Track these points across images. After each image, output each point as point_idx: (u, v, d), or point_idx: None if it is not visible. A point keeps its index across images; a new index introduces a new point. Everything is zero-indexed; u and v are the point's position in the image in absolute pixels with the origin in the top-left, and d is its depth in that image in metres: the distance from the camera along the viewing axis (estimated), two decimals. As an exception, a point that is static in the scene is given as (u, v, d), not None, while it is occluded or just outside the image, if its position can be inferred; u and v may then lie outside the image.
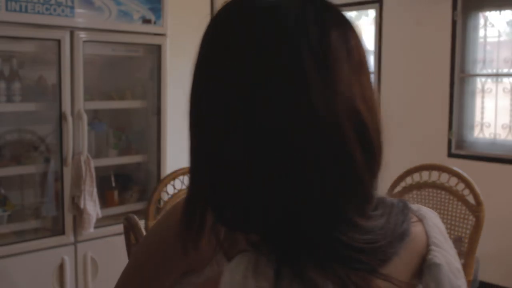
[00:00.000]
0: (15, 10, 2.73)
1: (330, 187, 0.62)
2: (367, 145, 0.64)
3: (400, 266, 0.66)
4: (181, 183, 2.58)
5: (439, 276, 0.69)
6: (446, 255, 0.71)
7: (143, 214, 2.43)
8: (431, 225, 0.73)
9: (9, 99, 2.89)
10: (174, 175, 2.54)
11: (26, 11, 2.77)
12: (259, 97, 0.61)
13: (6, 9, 2.70)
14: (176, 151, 3.61)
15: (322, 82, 0.61)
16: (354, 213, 0.64)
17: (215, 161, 0.64)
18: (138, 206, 3.34)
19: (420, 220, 0.72)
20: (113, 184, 3.37)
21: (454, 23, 4.00)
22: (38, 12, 2.80)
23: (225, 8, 0.68)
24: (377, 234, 0.65)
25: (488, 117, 4.01)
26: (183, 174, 2.58)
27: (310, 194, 0.61)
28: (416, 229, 0.71)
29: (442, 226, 0.74)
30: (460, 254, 2.39)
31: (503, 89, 3.97)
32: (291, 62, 0.61)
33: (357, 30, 0.68)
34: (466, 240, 2.37)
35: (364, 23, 5.12)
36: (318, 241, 0.62)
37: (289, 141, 0.61)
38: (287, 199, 0.61)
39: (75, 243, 3.05)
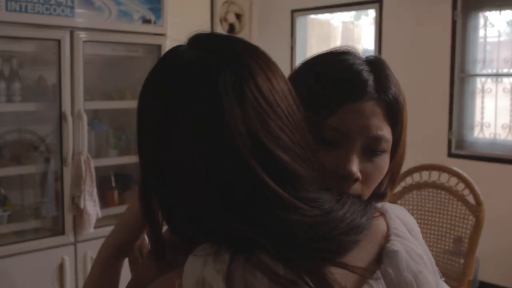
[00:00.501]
0: (15, 10, 2.73)
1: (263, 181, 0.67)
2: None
3: (360, 256, 0.70)
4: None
5: (397, 261, 0.72)
6: (406, 243, 0.74)
7: (143, 214, 2.43)
8: (393, 218, 0.76)
9: (9, 99, 2.89)
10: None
11: (26, 11, 2.77)
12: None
13: (6, 9, 2.70)
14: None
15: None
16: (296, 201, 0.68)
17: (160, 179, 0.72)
18: (138, 206, 3.34)
19: (382, 214, 0.76)
20: (113, 184, 3.37)
21: (454, 23, 4.00)
22: (38, 12, 2.80)
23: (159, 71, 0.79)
24: (332, 226, 0.69)
25: (488, 117, 4.01)
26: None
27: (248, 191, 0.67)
28: (377, 222, 0.75)
29: (407, 219, 0.77)
30: (460, 254, 2.39)
31: (503, 89, 3.97)
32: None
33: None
34: (466, 240, 2.38)
35: (364, 23, 5.13)
36: (268, 232, 0.66)
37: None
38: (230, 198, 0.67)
39: (75, 243, 3.05)
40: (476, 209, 2.36)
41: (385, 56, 4.36)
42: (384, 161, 0.87)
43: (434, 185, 2.52)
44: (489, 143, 4.00)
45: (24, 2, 2.76)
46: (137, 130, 0.75)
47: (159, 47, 3.28)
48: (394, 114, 0.87)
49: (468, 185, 2.40)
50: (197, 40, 0.75)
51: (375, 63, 0.90)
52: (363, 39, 5.18)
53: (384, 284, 0.70)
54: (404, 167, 2.86)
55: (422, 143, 4.14)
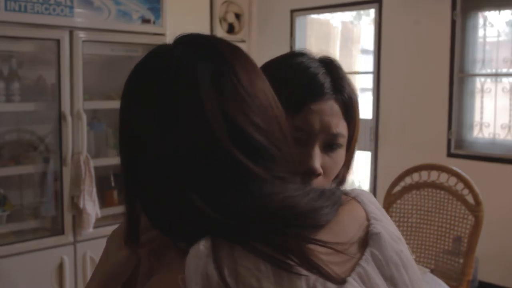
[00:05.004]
0: (14, 10, 2.73)
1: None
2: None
3: (339, 233, 0.72)
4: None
5: (381, 242, 0.74)
6: (385, 226, 0.77)
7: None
8: (367, 203, 0.78)
9: (8, 99, 2.89)
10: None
11: (25, 11, 2.77)
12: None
13: (5, 9, 2.70)
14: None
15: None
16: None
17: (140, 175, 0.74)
18: (138, 206, 3.34)
19: (354, 198, 0.78)
20: (113, 184, 3.37)
21: (453, 23, 4.00)
22: (38, 12, 2.80)
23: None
24: (305, 200, 0.71)
25: (487, 117, 4.01)
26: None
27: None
28: (355, 207, 0.77)
29: (377, 203, 0.80)
30: (459, 253, 2.39)
31: (502, 89, 3.97)
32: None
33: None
34: (465, 240, 2.38)
35: (363, 23, 5.13)
36: (245, 213, 0.68)
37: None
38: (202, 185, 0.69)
39: (74, 243, 3.05)
40: (476, 208, 2.36)
41: (384, 56, 4.37)
42: (341, 155, 0.96)
43: (434, 185, 2.52)
44: (488, 143, 4.00)
45: (23, 2, 2.75)
46: (119, 129, 0.77)
47: (158, 47, 3.28)
48: (350, 111, 0.96)
49: (467, 185, 2.40)
50: (181, 39, 0.78)
51: (330, 65, 0.97)
52: (362, 39, 5.18)
53: (374, 266, 0.73)
54: (404, 167, 2.86)
55: (422, 143, 4.14)
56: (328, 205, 0.73)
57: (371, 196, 0.81)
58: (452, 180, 2.46)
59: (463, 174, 2.43)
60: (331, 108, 0.93)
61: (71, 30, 2.94)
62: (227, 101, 0.70)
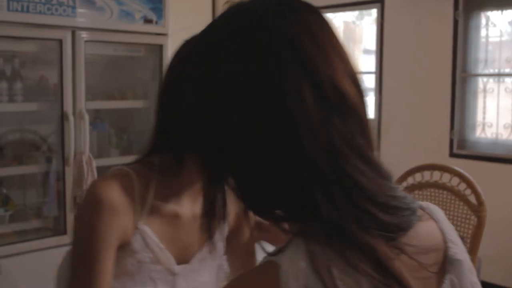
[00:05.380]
0: (16, 10, 2.74)
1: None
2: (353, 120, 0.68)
3: (418, 248, 0.67)
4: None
5: (461, 271, 0.71)
6: (464, 252, 0.73)
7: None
8: (443, 221, 0.74)
9: (11, 99, 2.89)
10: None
11: (27, 11, 2.77)
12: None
13: (8, 9, 2.71)
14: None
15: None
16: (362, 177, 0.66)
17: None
18: (140, 206, 3.34)
19: (430, 216, 0.73)
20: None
21: (455, 23, 4.00)
22: (40, 12, 2.81)
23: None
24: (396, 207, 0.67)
25: (490, 117, 4.01)
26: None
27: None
28: (429, 224, 0.72)
29: (448, 221, 0.76)
30: (462, 254, 2.39)
31: (505, 89, 3.97)
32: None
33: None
34: (468, 240, 2.37)
35: (365, 22, 5.13)
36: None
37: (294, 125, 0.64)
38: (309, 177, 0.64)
39: (76, 243, 3.05)
40: (478, 209, 2.35)
41: (386, 56, 4.36)
42: None
43: (436, 185, 2.52)
44: (491, 143, 3.99)
45: (25, 2, 2.76)
46: (215, 104, 0.69)
47: (160, 47, 3.28)
48: None
49: (470, 185, 2.39)
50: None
51: None
52: (364, 39, 5.17)
53: None
54: (406, 167, 2.86)
55: (424, 143, 4.13)
56: (409, 212, 0.68)
57: (442, 213, 0.77)
58: (455, 180, 2.46)
59: (466, 174, 2.42)
60: None
61: (74, 30, 2.94)
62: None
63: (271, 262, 0.64)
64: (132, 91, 3.40)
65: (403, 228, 0.66)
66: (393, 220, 0.65)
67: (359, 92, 0.70)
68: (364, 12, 4.99)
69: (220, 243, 1.21)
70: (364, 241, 0.62)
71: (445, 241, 0.72)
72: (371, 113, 4.44)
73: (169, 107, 1.09)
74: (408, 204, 0.69)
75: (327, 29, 0.70)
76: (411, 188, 2.56)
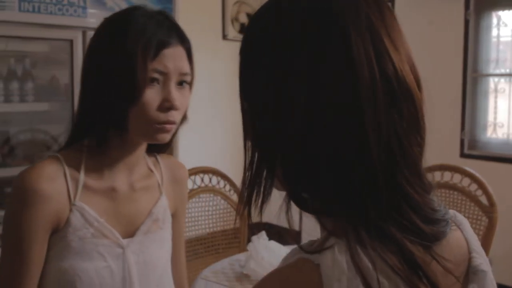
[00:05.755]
0: (28, 11, 2.75)
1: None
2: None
3: (450, 256, 0.67)
4: (193, 183, 2.59)
5: (484, 282, 0.70)
6: (487, 264, 0.73)
7: (155, 213, 2.43)
8: (469, 232, 0.74)
9: (22, 99, 2.91)
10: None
11: (38, 11, 2.79)
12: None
13: (19, 10, 2.73)
14: (188, 151, 3.62)
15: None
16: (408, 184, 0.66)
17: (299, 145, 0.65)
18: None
19: (457, 226, 0.73)
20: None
21: (466, 23, 3.97)
22: (51, 13, 2.82)
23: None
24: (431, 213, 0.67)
25: (501, 117, 3.98)
26: (195, 173, 2.59)
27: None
28: (457, 234, 0.72)
29: (474, 234, 0.76)
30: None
31: (517, 89, 3.94)
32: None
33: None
34: (479, 241, 2.36)
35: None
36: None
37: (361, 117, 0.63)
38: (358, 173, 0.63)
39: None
40: (489, 210, 2.34)
41: (397, 56, 4.34)
42: (187, 91, 1.15)
43: (447, 186, 2.51)
44: (502, 143, 3.96)
45: (37, 2, 2.77)
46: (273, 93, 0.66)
47: (170, 47, 3.29)
48: (190, 54, 1.16)
49: (481, 185, 2.38)
50: None
51: (170, 17, 1.17)
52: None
53: None
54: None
55: (434, 143, 4.07)
56: (444, 224, 0.69)
57: (468, 222, 0.77)
58: (466, 181, 2.45)
59: (477, 175, 2.41)
60: (180, 52, 1.13)
61: (84, 31, 2.95)
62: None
63: (307, 261, 0.62)
64: (142, 91, 3.41)
65: (438, 238, 0.66)
66: (432, 231, 0.65)
67: (418, 85, 0.70)
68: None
69: (162, 215, 1.24)
70: (405, 246, 0.62)
71: (469, 251, 0.72)
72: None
73: (91, 89, 1.14)
74: (444, 216, 0.69)
75: (393, 15, 0.70)
76: (421, 189, 2.55)
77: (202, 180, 2.62)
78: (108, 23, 1.15)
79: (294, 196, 0.67)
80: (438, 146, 4.08)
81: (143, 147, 1.20)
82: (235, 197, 2.70)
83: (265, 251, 2.17)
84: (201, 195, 2.63)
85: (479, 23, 3.99)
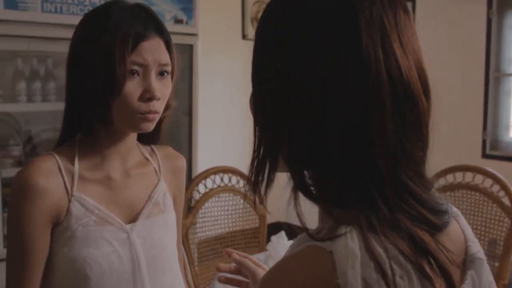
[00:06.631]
0: (50, 11, 2.79)
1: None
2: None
3: (450, 247, 0.69)
4: (212, 182, 2.59)
5: (482, 269, 0.72)
6: (482, 253, 0.75)
7: (174, 212, 2.45)
8: (465, 223, 0.77)
9: (44, 99, 2.95)
10: (206, 174, 2.56)
11: (61, 12, 2.82)
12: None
13: (42, 10, 2.76)
14: (207, 151, 3.63)
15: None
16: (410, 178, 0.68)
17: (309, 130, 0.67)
18: (169, 204, 3.37)
19: (454, 218, 0.76)
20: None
21: (489, 22, 3.93)
22: (73, 13, 2.85)
23: None
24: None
25: (524, 117, 3.93)
26: (215, 173, 2.59)
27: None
28: (455, 224, 0.75)
29: (468, 225, 0.79)
30: (495, 257, 2.35)
31: (540, 89, 3.89)
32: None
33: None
34: (501, 243, 2.33)
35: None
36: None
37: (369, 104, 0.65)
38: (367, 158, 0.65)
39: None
40: (512, 211, 2.31)
41: (418, 55, 4.30)
42: (168, 81, 1.19)
43: (468, 187, 2.48)
44: (525, 144, 3.92)
45: (59, 3, 2.81)
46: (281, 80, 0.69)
47: (191, 47, 3.30)
48: (170, 45, 1.20)
49: (503, 186, 2.35)
50: None
51: (148, 9, 1.20)
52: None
53: None
54: (437, 168, 2.82)
55: (456, 143, 4.07)
56: (447, 215, 0.72)
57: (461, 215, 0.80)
58: (488, 182, 2.42)
59: (499, 175, 2.38)
60: (158, 44, 1.16)
61: (105, 31, 2.98)
62: None
63: (319, 248, 0.63)
64: (162, 91, 3.43)
65: (443, 228, 0.69)
66: (438, 221, 0.68)
67: (425, 88, 0.71)
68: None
69: (162, 199, 1.29)
70: (415, 233, 0.64)
71: (466, 240, 0.75)
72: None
73: (74, 82, 1.18)
74: (446, 208, 0.72)
75: (408, 17, 0.71)
76: (442, 190, 2.53)
77: (222, 179, 2.63)
78: (88, 17, 1.20)
79: (300, 185, 0.69)
80: (460, 147, 4.06)
81: (132, 136, 1.24)
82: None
83: (284, 251, 2.17)
84: (220, 195, 2.63)
85: (502, 21, 3.95)
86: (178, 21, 3.25)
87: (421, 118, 0.70)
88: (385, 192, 0.65)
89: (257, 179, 0.73)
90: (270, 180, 0.72)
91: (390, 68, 0.65)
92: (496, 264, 2.33)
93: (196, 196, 2.51)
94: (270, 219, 2.78)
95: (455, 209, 0.77)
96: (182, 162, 1.40)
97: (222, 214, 2.68)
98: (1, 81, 2.83)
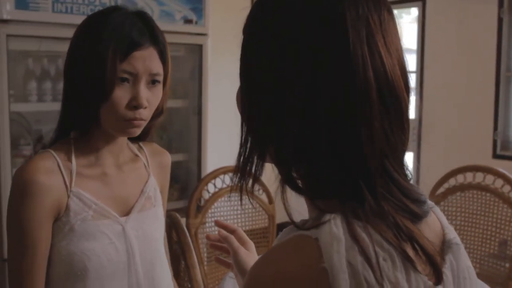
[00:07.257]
0: (61, 11, 2.80)
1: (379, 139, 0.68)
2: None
3: (430, 235, 0.72)
4: (222, 182, 2.60)
5: (459, 254, 0.75)
6: (458, 239, 0.78)
7: (184, 212, 2.45)
8: (440, 213, 0.80)
9: (55, 98, 2.96)
10: (215, 174, 2.56)
11: (71, 12, 2.83)
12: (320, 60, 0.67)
13: (53, 11, 2.77)
14: (216, 150, 3.64)
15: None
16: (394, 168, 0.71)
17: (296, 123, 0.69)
18: (179, 204, 3.38)
19: (430, 208, 0.78)
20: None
21: (500, 21, 3.90)
22: (83, 13, 2.86)
23: None
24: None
25: (536, 117, 3.90)
26: (224, 172, 2.60)
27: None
28: (432, 214, 0.78)
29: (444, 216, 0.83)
30: (505, 257, 2.33)
31: (552, 89, 3.86)
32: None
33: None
34: (512, 244, 2.32)
35: (405, 21, 5.05)
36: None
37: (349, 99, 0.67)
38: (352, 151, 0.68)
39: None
40: (523, 212, 2.30)
41: (428, 55, 4.29)
42: (159, 90, 1.23)
43: (479, 187, 2.47)
44: (536, 144, 3.89)
45: (69, 3, 2.82)
46: (253, 73, 0.75)
47: (200, 46, 3.31)
48: (164, 55, 1.23)
49: (514, 187, 2.34)
50: None
51: (145, 16, 1.22)
52: (404, 38, 5.11)
53: (451, 275, 0.72)
54: (448, 168, 2.82)
55: (467, 143, 4.05)
56: (426, 206, 0.74)
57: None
58: (498, 182, 2.40)
59: (510, 176, 2.37)
60: (150, 53, 1.19)
61: (116, 31, 2.99)
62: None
63: (305, 236, 0.65)
64: (172, 90, 3.43)
65: (424, 216, 0.72)
66: (419, 210, 0.71)
67: (406, 86, 0.72)
68: (403, 10, 4.92)
69: (153, 193, 1.35)
70: (400, 222, 0.67)
71: (442, 228, 0.78)
72: (412, 113, 4.37)
73: (69, 84, 1.24)
74: (425, 199, 0.75)
75: (392, 17, 0.74)
76: (452, 190, 2.52)
77: (231, 179, 2.63)
78: (87, 22, 1.24)
79: (286, 178, 0.71)
80: (470, 147, 4.04)
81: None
82: (264, 197, 2.70)
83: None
84: (230, 194, 2.64)
85: (513, 21, 3.92)
86: (188, 21, 3.25)
87: (404, 113, 0.71)
88: (373, 183, 0.67)
89: (244, 174, 0.77)
90: (256, 175, 0.77)
91: (376, 67, 0.67)
92: (507, 265, 2.32)
93: (206, 195, 2.52)
94: (279, 219, 2.78)
95: (431, 203, 0.80)
96: (168, 158, 1.46)
97: (231, 214, 2.69)
98: (12, 81, 2.84)
